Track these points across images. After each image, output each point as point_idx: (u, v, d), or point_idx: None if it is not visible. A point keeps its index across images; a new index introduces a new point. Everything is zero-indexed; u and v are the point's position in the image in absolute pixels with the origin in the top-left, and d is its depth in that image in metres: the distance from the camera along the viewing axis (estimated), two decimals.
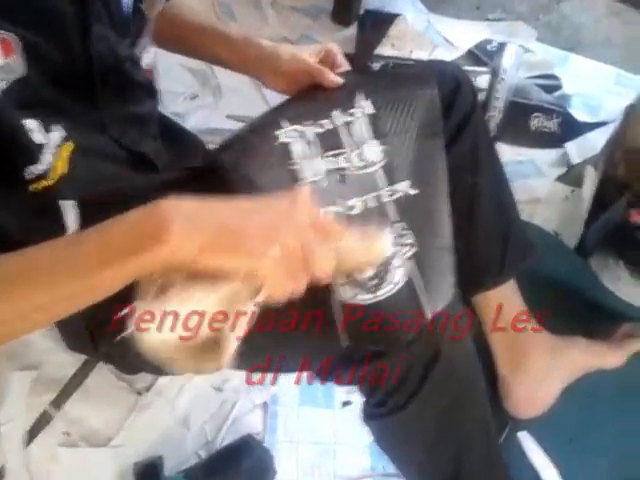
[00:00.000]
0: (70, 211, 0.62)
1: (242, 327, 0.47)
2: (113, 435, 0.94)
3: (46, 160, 0.59)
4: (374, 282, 0.60)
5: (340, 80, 0.77)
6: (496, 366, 0.95)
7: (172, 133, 0.86)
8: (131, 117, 0.73)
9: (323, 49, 0.82)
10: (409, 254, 0.62)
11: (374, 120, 0.72)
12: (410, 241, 0.62)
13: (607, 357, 0.96)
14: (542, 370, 0.93)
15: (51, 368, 0.98)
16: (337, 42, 0.84)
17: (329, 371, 0.70)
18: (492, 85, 1.31)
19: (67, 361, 0.99)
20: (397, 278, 0.60)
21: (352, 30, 1.48)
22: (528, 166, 1.27)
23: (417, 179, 0.67)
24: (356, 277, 0.59)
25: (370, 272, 0.60)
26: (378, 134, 0.70)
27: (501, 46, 1.41)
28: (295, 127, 0.73)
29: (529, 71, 1.39)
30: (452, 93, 0.81)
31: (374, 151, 0.69)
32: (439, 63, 1.11)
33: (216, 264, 0.46)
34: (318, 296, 0.57)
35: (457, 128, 0.83)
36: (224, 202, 0.49)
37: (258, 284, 0.47)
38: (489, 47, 1.44)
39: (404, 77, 0.80)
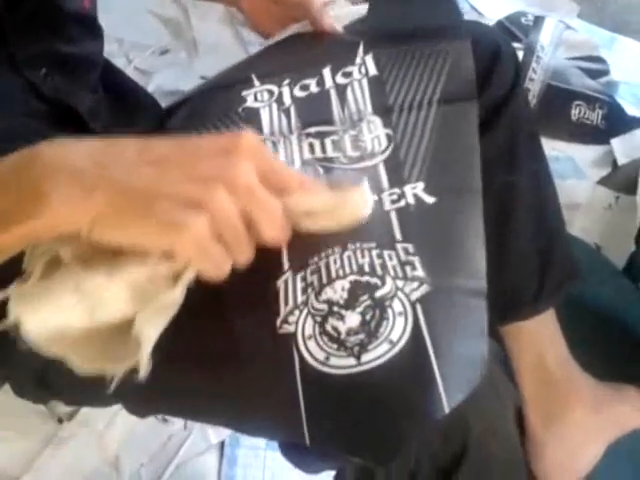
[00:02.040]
0: None
1: (161, 317, 0.36)
2: (17, 476, 0.73)
3: None
4: (359, 337, 0.36)
5: (339, 28, 0.58)
6: (524, 415, 0.74)
7: (120, 89, 0.69)
8: (59, 58, 0.56)
9: None
10: (416, 295, 0.38)
11: (376, 85, 0.50)
12: (419, 274, 0.38)
13: None
14: (583, 429, 0.73)
15: None
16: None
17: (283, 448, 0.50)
18: (527, 64, 1.13)
19: None
20: (396, 333, 0.36)
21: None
22: (565, 164, 1.08)
23: (435, 180, 0.44)
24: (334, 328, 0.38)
25: (353, 322, 0.37)
26: (381, 107, 0.49)
27: (538, 19, 1.22)
28: (269, 87, 0.53)
29: (570, 52, 1.19)
30: (489, 63, 0.62)
31: (375, 135, 0.47)
32: (473, 23, 0.89)
33: (118, 241, 0.35)
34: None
35: (492, 111, 0.64)
36: (130, 145, 0.37)
37: (180, 264, 0.36)
38: (524, 20, 1.24)
39: (422, 27, 0.57)
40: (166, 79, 1.09)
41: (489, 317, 0.72)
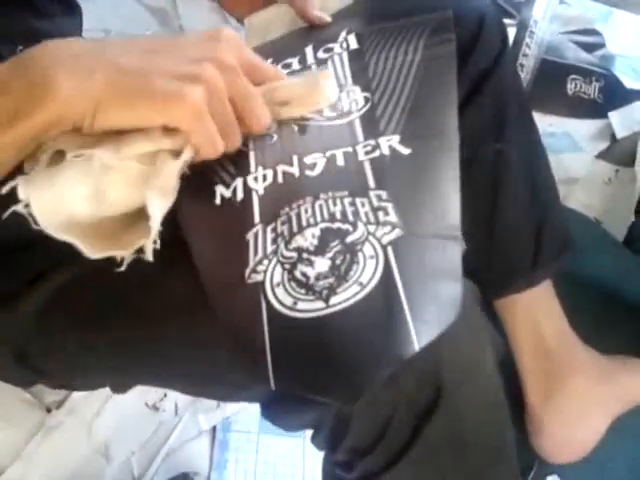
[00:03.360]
0: None
1: (165, 198, 0.38)
2: (6, 465, 0.71)
3: None
4: (328, 280, 0.35)
5: (327, 18, 0.57)
6: (524, 391, 0.72)
7: None
8: (34, 35, 0.53)
9: None
10: (388, 239, 0.36)
11: (356, 58, 0.50)
12: (392, 219, 0.37)
13: None
14: (585, 401, 0.71)
15: None
16: None
17: (263, 408, 0.49)
18: (520, 40, 1.09)
19: None
20: (366, 275, 0.35)
21: None
22: (562, 139, 1.05)
23: (411, 132, 0.43)
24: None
25: (322, 267, 0.36)
26: (360, 77, 0.48)
27: None
28: None
29: (564, 26, 1.16)
30: (474, 31, 0.61)
31: (353, 99, 0.46)
32: None
33: (122, 122, 0.37)
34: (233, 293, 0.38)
35: (478, 78, 0.63)
36: (120, 39, 0.40)
37: (180, 141, 0.39)
38: None
39: (406, 9, 0.55)
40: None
41: (483, 290, 0.70)
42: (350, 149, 0.42)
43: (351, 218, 0.37)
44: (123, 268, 0.37)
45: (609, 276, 0.85)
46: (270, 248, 0.38)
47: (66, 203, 0.37)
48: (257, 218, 0.40)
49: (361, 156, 0.41)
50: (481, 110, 0.63)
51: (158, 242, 0.37)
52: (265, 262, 0.37)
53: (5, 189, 0.35)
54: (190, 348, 0.44)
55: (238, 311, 0.37)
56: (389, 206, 0.37)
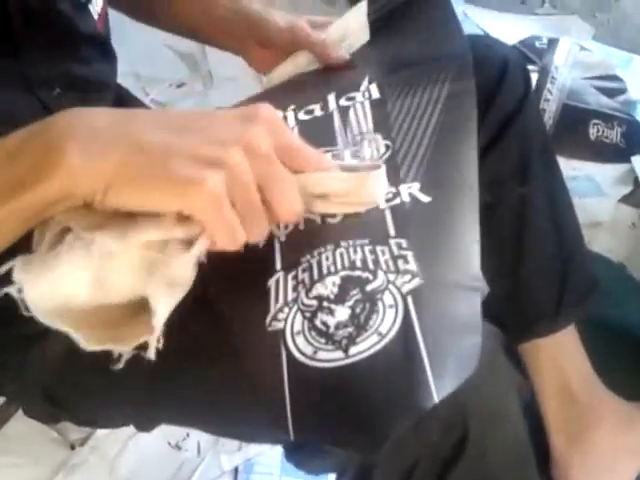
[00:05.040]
0: None
1: (173, 292, 0.35)
2: None
3: None
4: (348, 330, 0.35)
5: (346, 55, 0.59)
6: (549, 436, 0.71)
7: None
8: (72, 79, 0.56)
9: (325, 22, 0.63)
10: (408, 287, 0.36)
11: (378, 107, 0.50)
12: (412, 268, 0.37)
13: None
14: (611, 450, 0.69)
15: None
16: None
17: (286, 450, 0.48)
18: (542, 85, 1.11)
19: None
20: (386, 325, 0.35)
21: None
22: (585, 183, 1.05)
23: (431, 180, 0.43)
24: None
25: (342, 315, 0.36)
26: (382, 125, 0.48)
27: (552, 42, 1.20)
28: None
29: (586, 72, 1.17)
30: (497, 75, 0.62)
31: (375, 147, 0.46)
32: (481, 37, 0.88)
33: (132, 204, 0.34)
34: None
35: (502, 122, 0.63)
36: (148, 112, 0.39)
37: (194, 229, 0.34)
38: (538, 44, 1.22)
39: (425, 53, 0.56)
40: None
41: (507, 334, 0.69)
42: None
43: (371, 266, 0.37)
44: (121, 365, 0.34)
45: (634, 321, 0.84)
46: (291, 296, 0.38)
47: (64, 289, 0.34)
48: (279, 265, 0.40)
49: (382, 204, 0.41)
50: (505, 154, 0.64)
51: (162, 341, 0.34)
52: (286, 310, 0.37)
53: (3, 269, 0.33)
54: (219, 388, 0.44)
55: (258, 359, 0.37)
56: (409, 254, 0.37)
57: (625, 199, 1.02)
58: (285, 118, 0.52)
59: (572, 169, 1.07)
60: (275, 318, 0.37)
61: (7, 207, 0.33)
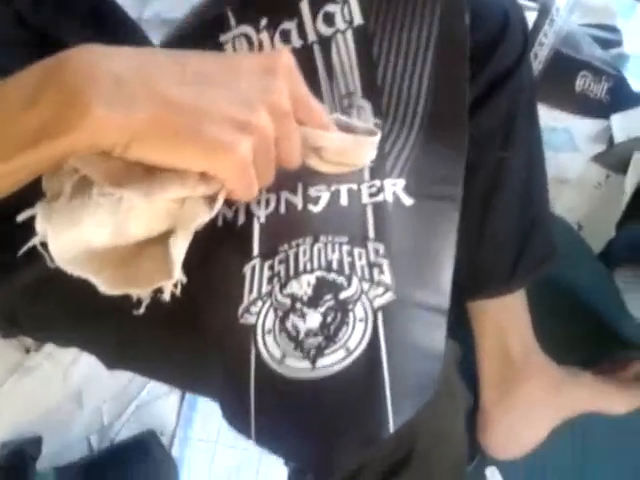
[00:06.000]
0: None
1: (187, 239, 0.35)
2: None
3: None
4: (317, 339, 0.35)
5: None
6: (479, 390, 0.75)
7: (112, 23, 0.63)
8: None
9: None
10: (380, 302, 0.36)
11: (362, 42, 0.46)
12: (386, 280, 0.37)
13: (614, 403, 0.77)
14: (533, 406, 0.74)
15: None
16: None
17: None
18: (539, 27, 1.06)
19: None
20: (354, 340, 0.35)
21: None
22: (561, 136, 1.04)
23: (417, 181, 0.42)
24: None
25: (313, 322, 0.36)
26: (370, 86, 0.46)
27: None
28: (246, 29, 0.49)
29: (585, 17, 1.13)
30: (496, 35, 0.58)
31: (364, 120, 0.44)
32: None
33: (158, 160, 0.33)
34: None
35: (495, 82, 0.61)
36: (170, 57, 0.35)
37: (215, 186, 0.35)
38: None
39: None
40: (163, 6, 1.00)
41: (460, 289, 0.72)
42: (355, 186, 0.42)
43: (347, 270, 0.37)
44: (142, 311, 0.36)
45: (580, 287, 0.87)
46: (265, 288, 0.38)
47: (86, 238, 0.34)
48: (256, 250, 0.40)
49: (365, 198, 0.41)
50: (492, 114, 0.62)
51: (179, 286, 0.35)
52: (259, 304, 0.37)
53: (22, 217, 0.33)
54: (186, 361, 0.45)
55: (227, 348, 0.37)
56: (385, 264, 0.37)
57: (596, 158, 1.02)
58: (260, 45, 0.48)
59: (552, 119, 1.06)
60: (248, 310, 0.37)
61: (23, 157, 0.31)
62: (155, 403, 0.76)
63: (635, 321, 0.86)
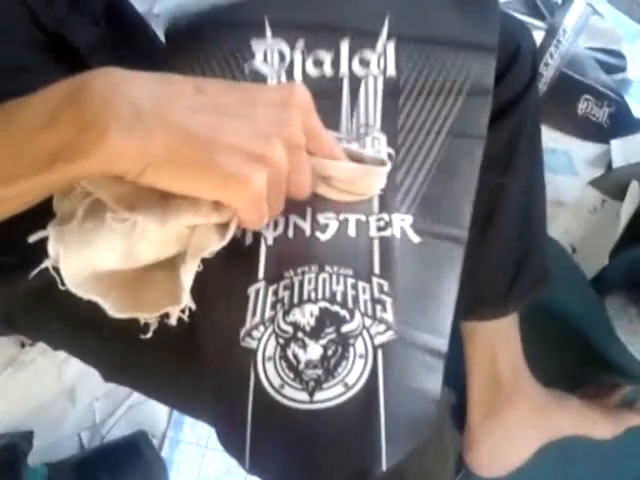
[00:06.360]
0: None
1: (196, 265, 0.36)
2: None
3: None
4: (316, 372, 0.36)
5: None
6: (468, 409, 0.77)
7: (124, 22, 0.65)
8: None
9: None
10: (380, 340, 0.37)
11: (390, 94, 0.47)
12: (388, 318, 0.38)
13: (598, 428, 0.79)
14: (519, 426, 0.76)
15: None
16: None
17: None
18: (545, 47, 1.07)
19: None
20: (353, 376, 0.36)
21: None
22: (561, 158, 1.05)
23: (425, 219, 0.43)
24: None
25: (314, 354, 0.36)
26: (389, 124, 0.46)
27: (567, 0, 1.14)
28: (281, 45, 0.48)
29: (591, 41, 1.14)
30: (506, 63, 0.58)
31: (377, 151, 0.45)
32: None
33: (169, 186, 0.34)
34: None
35: (502, 108, 0.61)
36: (187, 85, 0.35)
37: (227, 215, 0.36)
38: None
39: (452, 36, 0.50)
40: (174, 1, 1.03)
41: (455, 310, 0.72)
42: (363, 218, 0.42)
43: (350, 304, 0.38)
44: (149, 335, 0.36)
45: (571, 313, 0.88)
46: (268, 314, 0.38)
47: (97, 262, 0.35)
48: (261, 273, 0.40)
49: (373, 231, 0.41)
50: (495, 141, 0.61)
51: (187, 312, 0.35)
52: (261, 329, 0.38)
53: (33, 238, 0.33)
54: (185, 384, 0.45)
55: (227, 373, 0.38)
56: (388, 302, 0.38)
57: (594, 182, 1.03)
58: (292, 64, 0.48)
59: (552, 140, 1.07)
60: (249, 334, 0.38)
61: (36, 178, 0.31)
62: (147, 404, 0.77)
63: (623, 346, 0.87)
